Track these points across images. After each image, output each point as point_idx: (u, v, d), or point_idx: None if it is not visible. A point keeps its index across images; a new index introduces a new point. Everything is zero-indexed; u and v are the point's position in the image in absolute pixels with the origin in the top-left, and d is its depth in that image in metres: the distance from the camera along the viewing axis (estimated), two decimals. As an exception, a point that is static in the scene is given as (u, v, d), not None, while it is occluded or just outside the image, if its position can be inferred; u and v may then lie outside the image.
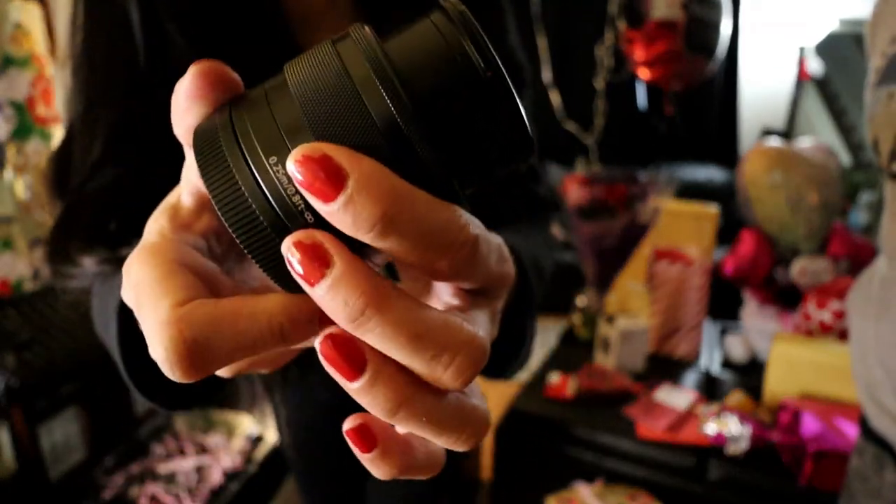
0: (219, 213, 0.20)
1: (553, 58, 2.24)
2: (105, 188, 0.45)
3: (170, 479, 1.29)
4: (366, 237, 0.18)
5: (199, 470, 1.33)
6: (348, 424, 0.22)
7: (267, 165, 0.19)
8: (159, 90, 0.46)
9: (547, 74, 2.19)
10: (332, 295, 0.18)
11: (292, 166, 0.18)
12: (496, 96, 0.20)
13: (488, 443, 1.35)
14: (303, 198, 0.19)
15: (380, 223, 0.18)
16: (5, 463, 1.14)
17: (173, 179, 0.45)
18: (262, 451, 1.43)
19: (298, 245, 0.18)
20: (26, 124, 1.36)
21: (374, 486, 0.84)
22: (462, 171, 0.21)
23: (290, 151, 0.19)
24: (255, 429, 1.48)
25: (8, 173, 1.33)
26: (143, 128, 0.46)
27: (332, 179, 0.18)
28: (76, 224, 0.45)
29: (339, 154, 0.18)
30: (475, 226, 0.21)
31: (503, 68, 0.20)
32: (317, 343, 0.20)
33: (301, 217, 0.19)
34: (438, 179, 0.20)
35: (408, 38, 0.21)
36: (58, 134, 1.43)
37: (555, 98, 2.21)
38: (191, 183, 0.24)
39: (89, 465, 1.27)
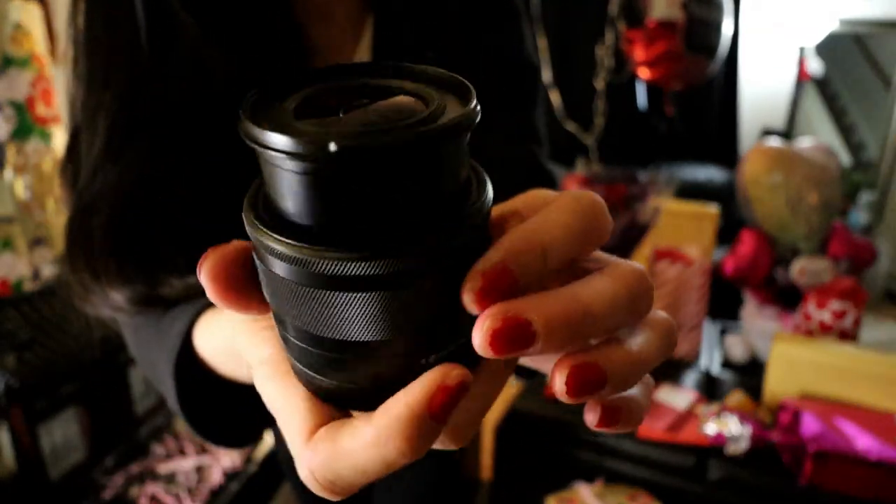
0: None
1: (553, 58, 2.24)
2: (112, 186, 0.43)
3: (170, 479, 1.29)
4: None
5: (199, 470, 1.33)
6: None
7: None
8: (163, 74, 0.45)
9: (547, 74, 2.19)
10: (546, 347, 0.19)
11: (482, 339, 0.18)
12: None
13: (488, 443, 1.35)
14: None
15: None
16: (5, 463, 1.14)
17: (182, 175, 0.44)
18: (262, 451, 1.43)
19: (498, 334, 0.18)
20: (26, 124, 1.36)
21: (378, 486, 0.84)
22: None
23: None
24: (255, 429, 1.48)
25: (8, 173, 1.33)
26: (147, 116, 0.44)
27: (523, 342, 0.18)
28: (89, 233, 0.43)
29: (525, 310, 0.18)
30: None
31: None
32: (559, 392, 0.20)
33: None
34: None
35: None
36: (58, 134, 1.43)
37: (555, 98, 2.20)
38: None
39: (89, 465, 1.26)
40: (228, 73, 0.45)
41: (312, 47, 0.52)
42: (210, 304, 0.37)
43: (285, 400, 0.22)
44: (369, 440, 0.19)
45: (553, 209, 0.21)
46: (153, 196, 0.44)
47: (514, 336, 0.18)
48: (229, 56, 0.45)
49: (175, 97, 0.45)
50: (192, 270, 0.42)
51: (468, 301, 0.18)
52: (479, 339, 0.18)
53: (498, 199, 0.23)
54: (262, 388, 0.23)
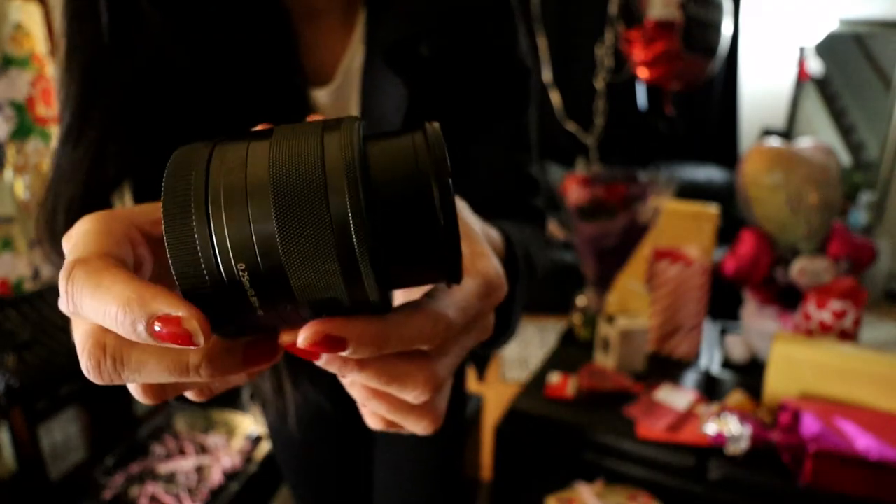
0: (171, 264, 0.21)
1: (553, 58, 2.24)
2: (68, 174, 0.44)
3: (170, 479, 1.29)
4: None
5: (199, 470, 1.33)
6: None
7: (227, 240, 0.20)
8: (123, 65, 0.44)
9: (547, 74, 2.19)
10: (327, 366, 0.23)
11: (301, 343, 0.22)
12: (441, 221, 0.22)
13: (488, 443, 1.35)
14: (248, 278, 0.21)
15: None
16: (5, 463, 1.14)
17: (147, 154, 0.45)
18: (262, 451, 1.43)
19: (291, 347, 0.23)
20: (26, 124, 1.36)
21: (378, 487, 0.83)
22: (388, 279, 0.23)
23: (251, 231, 0.20)
24: (255, 429, 1.48)
25: (8, 173, 1.33)
26: (111, 101, 0.45)
27: (334, 348, 0.22)
28: (53, 220, 0.45)
29: (336, 329, 0.22)
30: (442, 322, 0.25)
31: (455, 214, 0.22)
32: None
33: (245, 295, 0.21)
34: (366, 283, 0.21)
35: (388, 148, 0.23)
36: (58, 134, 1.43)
37: (555, 98, 2.20)
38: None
39: (89, 465, 1.27)
40: (193, 65, 0.45)
41: (303, 42, 0.52)
42: None
43: (102, 228, 0.25)
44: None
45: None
46: (111, 182, 0.45)
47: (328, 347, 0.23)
48: (195, 49, 0.45)
49: (134, 88, 0.45)
50: None
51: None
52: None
53: (482, 204, 0.26)
54: (81, 222, 0.25)
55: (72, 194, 0.44)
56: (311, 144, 0.21)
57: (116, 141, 0.45)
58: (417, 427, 0.28)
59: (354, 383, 0.26)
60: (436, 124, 0.23)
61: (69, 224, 0.43)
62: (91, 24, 0.44)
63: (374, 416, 0.30)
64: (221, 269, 0.20)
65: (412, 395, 0.25)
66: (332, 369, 0.24)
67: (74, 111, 0.44)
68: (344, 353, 0.22)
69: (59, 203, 0.44)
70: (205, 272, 0.20)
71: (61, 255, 0.44)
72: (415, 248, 0.22)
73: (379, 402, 0.27)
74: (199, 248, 0.20)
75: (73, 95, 0.44)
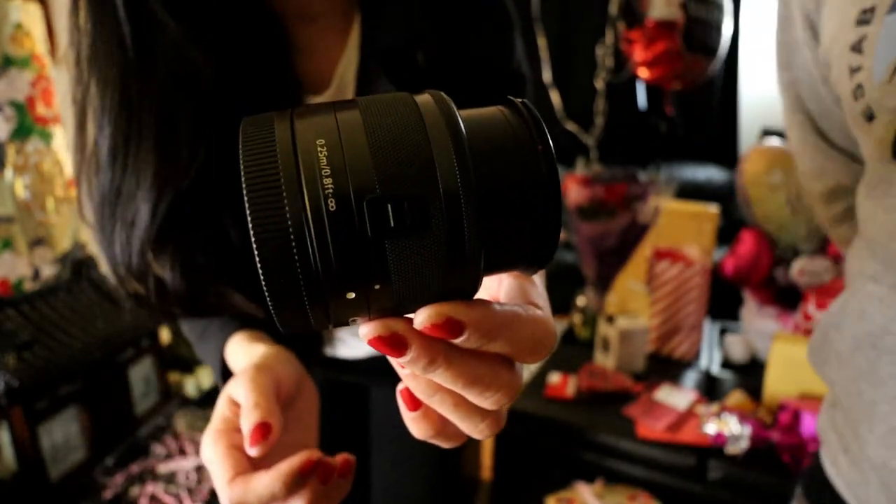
0: (253, 242, 0.18)
1: (553, 58, 2.24)
2: (138, 186, 0.44)
3: (170, 479, 1.29)
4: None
5: (199, 470, 1.33)
6: (399, 386, 0.27)
7: (323, 207, 0.18)
8: (151, 74, 0.45)
9: (547, 74, 2.19)
10: (411, 364, 0.22)
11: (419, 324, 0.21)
12: (547, 198, 0.20)
13: (488, 443, 1.35)
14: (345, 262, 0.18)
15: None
16: (5, 463, 1.14)
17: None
18: (262, 451, 1.43)
19: (379, 339, 0.21)
20: (26, 124, 1.36)
21: (376, 488, 0.83)
22: (488, 261, 0.20)
23: (351, 200, 0.18)
24: (255, 429, 1.48)
25: (8, 173, 1.33)
26: (144, 115, 0.44)
27: (450, 333, 0.21)
28: (130, 225, 0.45)
29: (457, 313, 0.21)
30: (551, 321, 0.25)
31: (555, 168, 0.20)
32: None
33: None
34: (471, 261, 0.19)
35: (478, 118, 0.20)
36: (58, 134, 1.43)
37: (555, 98, 2.20)
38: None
39: (89, 465, 1.26)
40: (215, 73, 0.45)
41: (298, 48, 0.52)
42: (230, 333, 0.52)
43: (215, 458, 0.38)
44: (266, 480, 0.35)
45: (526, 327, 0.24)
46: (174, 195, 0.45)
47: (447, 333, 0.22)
48: (212, 57, 0.45)
49: (166, 96, 0.45)
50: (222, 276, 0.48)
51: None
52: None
53: None
54: (203, 448, 0.39)
55: (152, 206, 0.44)
56: (408, 112, 0.19)
57: (164, 149, 0.45)
58: (476, 430, 0.26)
59: (419, 376, 0.24)
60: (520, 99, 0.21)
61: (157, 236, 0.45)
62: (115, 36, 0.43)
63: (424, 422, 0.27)
64: (315, 253, 0.18)
65: (491, 401, 0.24)
66: (416, 366, 0.22)
67: (116, 127, 0.44)
68: (457, 340, 0.21)
69: (137, 220, 0.45)
70: (297, 260, 0.18)
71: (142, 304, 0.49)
72: (518, 226, 0.20)
73: (444, 398, 0.24)
74: (287, 213, 0.18)
75: (112, 108, 0.43)
